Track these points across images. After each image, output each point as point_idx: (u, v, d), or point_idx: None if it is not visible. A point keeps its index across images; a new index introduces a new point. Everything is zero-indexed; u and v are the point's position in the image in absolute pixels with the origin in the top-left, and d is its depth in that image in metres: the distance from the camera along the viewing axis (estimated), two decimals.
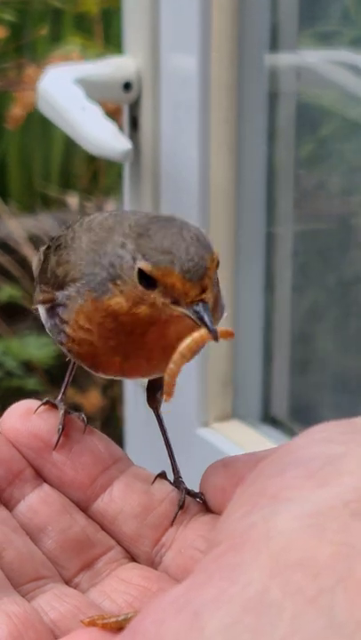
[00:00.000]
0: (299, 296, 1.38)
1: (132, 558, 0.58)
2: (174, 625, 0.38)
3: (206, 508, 0.58)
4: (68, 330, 0.59)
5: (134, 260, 0.55)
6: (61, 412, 0.59)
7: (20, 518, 0.57)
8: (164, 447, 0.64)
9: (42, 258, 0.64)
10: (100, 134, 1.16)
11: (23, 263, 2.33)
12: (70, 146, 2.34)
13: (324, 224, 1.38)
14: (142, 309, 0.55)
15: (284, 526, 0.38)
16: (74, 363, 0.64)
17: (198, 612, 0.37)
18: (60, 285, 0.59)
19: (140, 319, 0.56)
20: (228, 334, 0.54)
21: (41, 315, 0.63)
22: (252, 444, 1.26)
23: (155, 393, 0.65)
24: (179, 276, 0.53)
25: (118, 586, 0.56)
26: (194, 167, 1.22)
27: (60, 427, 0.59)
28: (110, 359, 0.59)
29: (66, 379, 0.65)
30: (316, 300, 1.40)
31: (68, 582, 0.56)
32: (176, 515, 0.58)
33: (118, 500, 0.58)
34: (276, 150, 1.27)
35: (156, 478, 0.60)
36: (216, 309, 0.59)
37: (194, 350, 0.54)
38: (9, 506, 0.57)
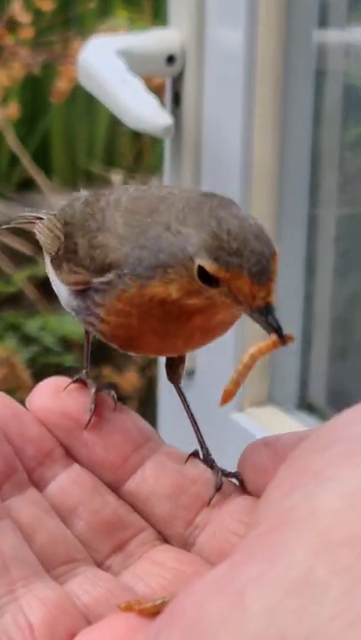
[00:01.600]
0: (340, 281, 1.36)
1: (165, 540, 0.57)
2: (216, 606, 0.37)
3: (242, 489, 0.57)
4: (103, 314, 0.57)
5: (194, 254, 0.53)
6: (92, 390, 0.58)
7: (51, 499, 0.56)
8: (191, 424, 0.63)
9: (59, 235, 0.62)
10: (140, 108, 1.14)
11: None
12: (115, 123, 2.33)
13: None
14: (194, 301, 0.54)
15: (328, 505, 0.38)
16: (88, 334, 0.63)
17: (241, 593, 0.36)
18: (99, 270, 0.57)
19: (189, 307, 0.55)
20: (291, 339, 0.53)
21: (60, 291, 0.61)
22: (288, 430, 1.23)
23: (175, 367, 0.63)
24: (247, 279, 0.51)
25: (152, 569, 0.55)
26: (236, 145, 1.20)
27: (92, 405, 0.57)
28: (147, 341, 0.58)
29: (85, 352, 0.64)
30: (359, 285, 1.37)
31: (99, 565, 0.55)
32: (213, 496, 0.56)
33: (150, 480, 0.57)
34: (322, 130, 1.25)
35: (188, 458, 0.58)
36: None
37: (259, 358, 0.53)
38: (39, 487, 0.56)
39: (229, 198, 0.55)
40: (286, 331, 0.53)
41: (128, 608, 0.49)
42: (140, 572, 0.55)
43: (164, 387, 1.40)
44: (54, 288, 0.62)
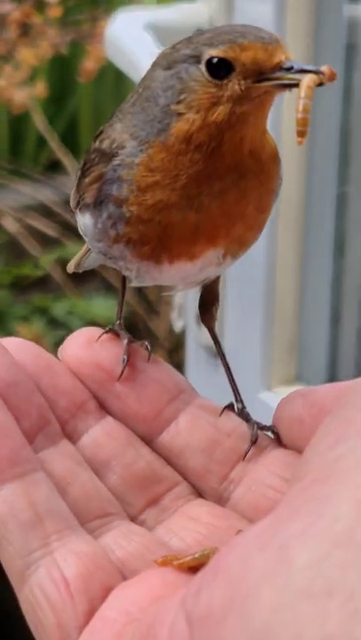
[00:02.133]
0: None
1: (199, 494, 0.56)
2: (260, 560, 0.36)
3: (278, 442, 0.56)
4: (128, 203, 0.56)
5: (199, 57, 0.52)
6: (125, 341, 0.57)
7: (84, 452, 0.55)
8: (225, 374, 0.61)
9: (77, 174, 0.61)
10: None
11: None
12: None
13: None
14: (219, 110, 0.53)
15: None
16: (124, 281, 0.62)
17: (285, 547, 0.36)
18: (109, 157, 0.56)
19: (215, 129, 0.53)
20: (333, 75, 0.52)
21: (84, 225, 0.60)
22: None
23: (209, 308, 0.62)
24: (257, 44, 0.51)
25: (186, 523, 0.54)
26: None
27: (125, 357, 0.56)
28: (182, 220, 0.55)
29: (119, 303, 0.63)
30: None
31: (133, 519, 0.55)
32: (248, 450, 0.55)
33: (185, 433, 0.56)
34: (352, 106, 1.23)
35: (223, 410, 0.57)
36: (277, 160, 0.57)
37: (311, 94, 0.51)
38: (72, 439, 0.55)
39: None
40: (324, 68, 0.52)
41: (165, 563, 0.48)
42: (175, 527, 0.54)
43: (191, 369, 1.39)
44: (82, 233, 0.62)
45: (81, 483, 0.53)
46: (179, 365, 1.78)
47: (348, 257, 1.30)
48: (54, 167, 2.41)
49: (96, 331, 0.57)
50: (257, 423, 0.56)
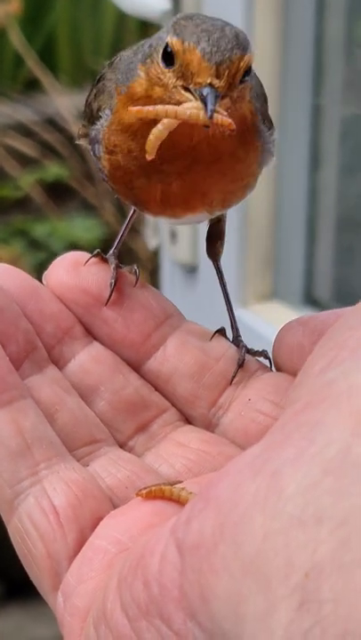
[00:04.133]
0: (349, 179, 1.33)
1: (188, 421, 0.56)
2: (252, 488, 0.36)
3: (275, 367, 0.55)
4: (103, 159, 0.56)
5: (166, 36, 0.52)
6: (112, 265, 0.56)
7: (71, 378, 0.54)
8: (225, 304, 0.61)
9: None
10: None
11: (71, 141, 2.29)
12: (122, 19, 2.28)
13: None
14: (156, 91, 0.53)
15: None
16: (132, 213, 0.62)
17: (277, 473, 0.35)
18: (94, 119, 0.56)
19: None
20: (227, 125, 0.50)
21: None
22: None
23: (214, 243, 0.62)
24: (198, 54, 0.51)
25: (175, 450, 0.54)
26: None
27: (112, 281, 0.55)
28: (148, 190, 0.55)
29: (122, 229, 0.62)
30: None
31: (122, 446, 0.54)
32: (235, 373, 0.55)
33: (172, 358, 0.55)
34: (326, 20, 1.21)
35: (214, 335, 0.57)
36: (253, 137, 0.55)
37: (178, 121, 0.51)
38: (59, 364, 0.54)
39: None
40: (229, 119, 0.50)
41: (150, 496, 0.48)
42: (164, 453, 0.54)
43: (166, 285, 1.38)
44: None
45: (69, 409, 0.53)
46: (158, 285, 1.77)
47: (323, 171, 1.29)
48: (33, 86, 2.39)
49: (82, 255, 0.56)
50: (247, 348, 0.56)
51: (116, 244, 0.59)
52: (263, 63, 1.19)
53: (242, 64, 0.51)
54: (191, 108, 0.50)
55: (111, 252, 0.57)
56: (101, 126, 0.55)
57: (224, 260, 1.26)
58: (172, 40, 0.51)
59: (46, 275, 0.56)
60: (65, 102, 2.27)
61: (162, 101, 0.52)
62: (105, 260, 0.56)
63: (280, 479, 0.35)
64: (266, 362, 0.57)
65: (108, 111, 0.55)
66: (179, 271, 1.35)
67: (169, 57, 0.52)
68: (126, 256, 2.21)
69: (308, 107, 1.24)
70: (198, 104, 0.50)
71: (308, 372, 0.40)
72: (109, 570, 0.45)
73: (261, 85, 0.57)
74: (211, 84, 0.50)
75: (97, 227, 2.25)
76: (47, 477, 0.49)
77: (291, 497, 0.34)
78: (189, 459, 0.53)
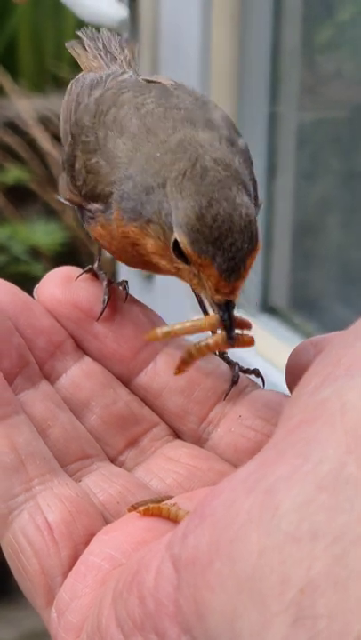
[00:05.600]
0: (306, 186, 1.34)
1: (177, 435, 0.56)
2: (246, 504, 0.36)
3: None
4: (90, 231, 0.56)
5: (176, 227, 0.51)
6: (104, 282, 0.56)
7: (63, 393, 0.54)
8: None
9: (70, 140, 0.59)
10: (95, 1, 1.11)
11: (32, 144, 2.28)
12: (84, 24, 2.28)
13: (341, 112, 1.34)
14: (164, 263, 0.52)
15: (358, 401, 0.36)
16: None
17: (271, 491, 0.35)
18: (89, 197, 0.55)
19: (141, 259, 0.54)
20: (247, 342, 0.51)
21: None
22: (250, 333, 1.23)
23: None
24: (216, 273, 0.49)
25: (166, 464, 0.54)
26: (195, 40, 1.18)
27: (106, 297, 0.55)
28: (130, 262, 0.56)
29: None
30: (326, 190, 1.36)
31: (112, 460, 0.54)
32: (229, 390, 0.55)
33: (163, 373, 0.55)
34: (283, 28, 1.22)
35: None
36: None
37: (206, 352, 0.51)
38: (50, 379, 0.54)
39: (246, 164, 0.53)
40: (247, 333, 0.51)
41: (147, 513, 0.48)
42: (155, 468, 0.54)
43: None
44: None
45: (61, 424, 0.53)
46: None
47: (280, 178, 1.29)
48: None
49: (73, 270, 0.56)
50: (240, 366, 0.56)
51: (97, 257, 0.59)
52: (220, 72, 1.20)
53: (253, 260, 0.51)
54: (208, 342, 0.50)
55: (96, 265, 0.58)
56: (94, 218, 0.56)
57: None
58: (185, 248, 0.50)
59: (38, 289, 0.55)
60: (26, 106, 2.27)
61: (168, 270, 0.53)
62: (95, 276, 0.57)
63: (274, 496, 0.35)
64: (257, 379, 0.57)
65: (106, 212, 0.55)
66: (135, 277, 1.35)
67: (181, 252, 0.51)
68: (87, 260, 2.22)
69: (265, 114, 1.25)
70: (217, 318, 0.50)
71: (303, 389, 0.40)
72: (103, 586, 0.45)
73: (251, 163, 0.56)
74: (228, 300, 0.50)
75: (58, 231, 2.25)
76: (41, 493, 0.49)
77: (285, 514, 0.35)
78: (180, 473, 0.54)
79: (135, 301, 0.57)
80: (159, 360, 0.55)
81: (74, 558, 0.48)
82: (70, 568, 0.48)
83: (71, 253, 2.36)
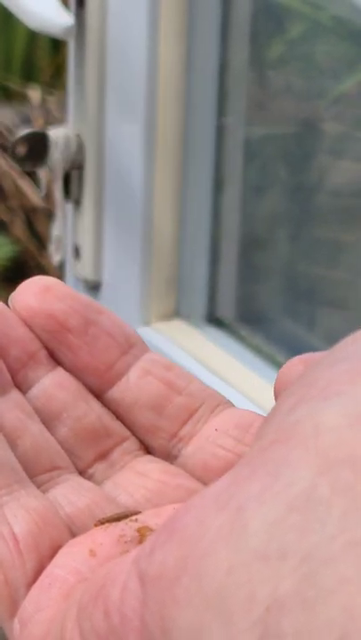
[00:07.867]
0: (253, 199, 1.35)
1: (148, 451, 0.55)
2: (216, 522, 0.35)
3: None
4: None
5: None
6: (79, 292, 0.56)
7: (34, 403, 0.53)
8: None
9: None
10: (39, 7, 1.11)
11: None
12: (34, 35, 2.28)
13: (290, 127, 1.34)
14: None
15: (333, 422, 0.36)
16: None
17: (241, 509, 0.35)
18: None
19: None
20: None
21: None
22: (196, 345, 1.24)
23: None
24: None
25: (135, 479, 0.53)
26: (142, 50, 1.18)
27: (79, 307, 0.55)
28: None
29: None
30: (273, 204, 1.37)
31: (81, 473, 0.53)
32: (199, 407, 0.54)
33: (135, 387, 0.55)
34: (231, 42, 1.22)
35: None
36: None
37: None
38: (22, 388, 0.54)
39: None
40: None
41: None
42: (124, 483, 0.53)
43: None
44: None
45: (31, 435, 0.52)
46: None
47: (227, 191, 1.30)
48: None
49: (50, 280, 0.55)
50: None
51: None
52: (167, 84, 1.20)
53: None
54: None
55: None
56: None
57: (128, 279, 1.27)
58: None
59: (13, 298, 0.55)
60: None
61: None
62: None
63: (244, 514, 0.35)
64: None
65: None
66: (82, 287, 1.34)
67: None
68: (35, 271, 2.21)
69: (212, 127, 1.25)
70: None
71: (278, 408, 0.39)
72: (68, 599, 0.44)
73: None
74: None
75: (6, 244, 2.24)
76: (8, 504, 0.48)
77: (255, 532, 0.34)
78: (148, 489, 0.53)
79: (109, 313, 0.56)
80: (132, 374, 0.55)
81: (39, 570, 0.47)
82: (35, 580, 0.47)
83: (20, 265, 2.36)
